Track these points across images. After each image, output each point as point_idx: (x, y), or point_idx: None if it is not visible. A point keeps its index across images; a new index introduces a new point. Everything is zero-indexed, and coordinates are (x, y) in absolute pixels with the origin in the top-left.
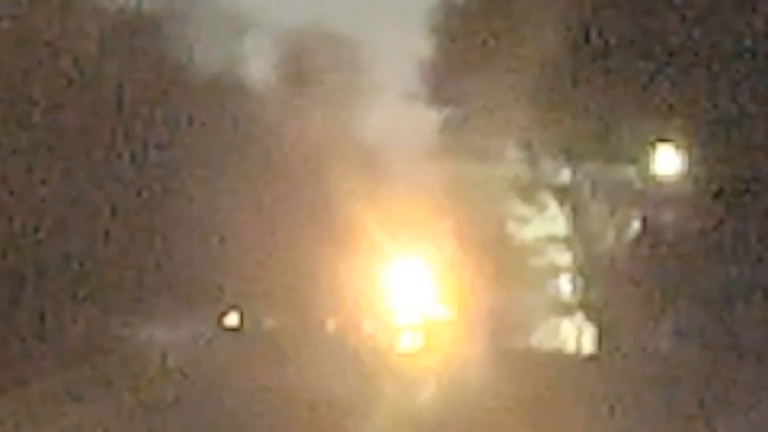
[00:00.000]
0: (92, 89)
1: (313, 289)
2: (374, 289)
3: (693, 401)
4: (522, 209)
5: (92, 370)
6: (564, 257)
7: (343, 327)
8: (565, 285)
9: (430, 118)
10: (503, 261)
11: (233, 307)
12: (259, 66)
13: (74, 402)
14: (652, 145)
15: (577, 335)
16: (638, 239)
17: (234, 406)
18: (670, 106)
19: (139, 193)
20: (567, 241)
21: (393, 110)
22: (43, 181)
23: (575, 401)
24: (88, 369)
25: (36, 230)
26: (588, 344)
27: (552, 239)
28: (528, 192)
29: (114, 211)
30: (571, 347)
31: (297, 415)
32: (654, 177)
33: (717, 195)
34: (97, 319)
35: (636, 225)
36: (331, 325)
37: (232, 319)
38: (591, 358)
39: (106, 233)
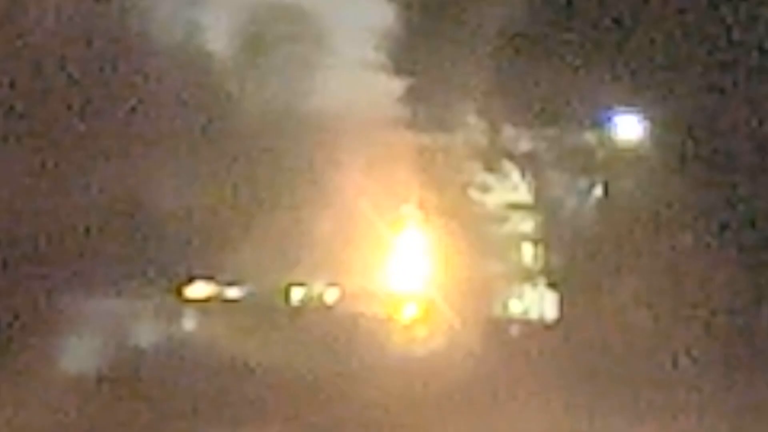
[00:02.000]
0: (45, 58)
1: (275, 256)
2: (334, 258)
3: (650, 368)
4: (483, 177)
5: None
6: (526, 224)
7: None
8: (527, 252)
9: (390, 87)
10: (465, 229)
11: (196, 277)
12: (216, 37)
13: None
14: (614, 111)
15: (539, 302)
16: (600, 206)
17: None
18: (632, 72)
19: (91, 163)
20: (529, 209)
21: (352, 80)
22: None
23: (533, 369)
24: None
25: None
26: (550, 311)
27: (514, 206)
28: (489, 160)
29: (63, 182)
30: (533, 314)
31: None
32: (615, 144)
33: (678, 162)
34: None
35: (598, 192)
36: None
37: (196, 290)
38: (552, 325)
39: (57, 203)
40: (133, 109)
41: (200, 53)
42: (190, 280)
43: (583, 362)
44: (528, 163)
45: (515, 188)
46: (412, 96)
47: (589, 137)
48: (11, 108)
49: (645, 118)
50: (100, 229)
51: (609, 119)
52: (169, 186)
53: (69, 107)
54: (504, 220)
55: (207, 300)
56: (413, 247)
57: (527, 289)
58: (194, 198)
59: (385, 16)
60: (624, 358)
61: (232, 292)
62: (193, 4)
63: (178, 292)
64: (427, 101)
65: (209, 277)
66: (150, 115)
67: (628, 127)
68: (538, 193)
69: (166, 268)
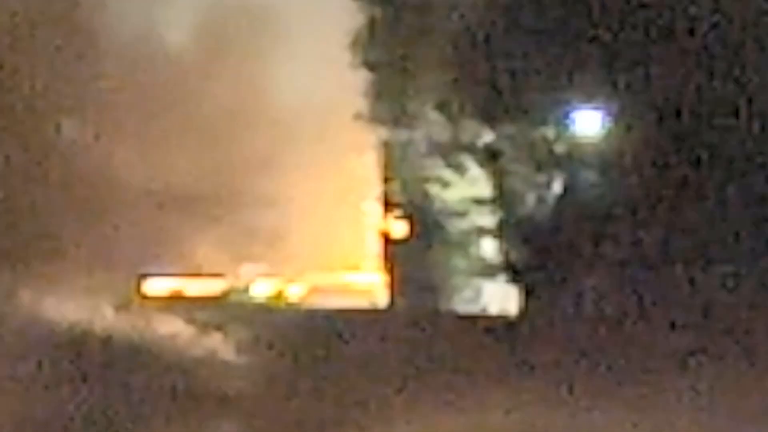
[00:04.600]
0: (5, 54)
1: (234, 250)
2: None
3: (611, 366)
4: (443, 172)
5: None
6: (486, 219)
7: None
8: (487, 247)
9: (351, 83)
10: (426, 224)
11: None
12: (175, 33)
13: None
14: (573, 106)
15: (500, 298)
16: (560, 201)
17: None
18: (591, 67)
19: (55, 157)
20: (489, 203)
21: (312, 75)
22: None
23: (490, 366)
24: None
25: None
26: (511, 307)
27: (474, 201)
28: (449, 155)
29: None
30: (493, 309)
31: None
32: (575, 139)
33: (638, 157)
34: None
35: (558, 186)
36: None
37: (160, 284)
38: (512, 321)
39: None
40: (94, 104)
41: (162, 48)
42: (148, 275)
43: (542, 362)
44: (488, 157)
45: (475, 182)
46: (373, 91)
47: (549, 132)
48: None
49: (604, 113)
50: (57, 221)
51: (569, 114)
52: (127, 177)
53: (31, 101)
54: (464, 214)
55: (167, 296)
56: (375, 242)
57: (488, 285)
58: (151, 191)
59: (346, 12)
60: (582, 357)
61: (193, 287)
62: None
63: (136, 288)
64: (387, 96)
65: (168, 273)
66: (111, 108)
67: (588, 123)
68: (498, 187)
69: (123, 261)
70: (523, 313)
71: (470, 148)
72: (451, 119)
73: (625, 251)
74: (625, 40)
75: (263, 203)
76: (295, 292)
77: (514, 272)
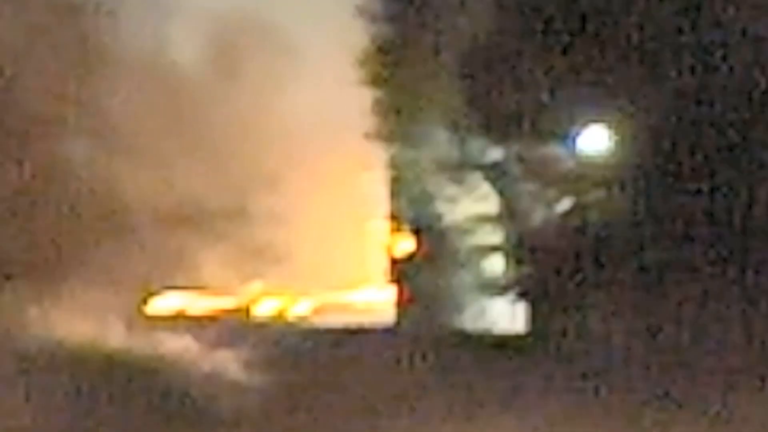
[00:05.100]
0: (15, 72)
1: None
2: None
3: (618, 385)
4: (450, 189)
5: None
6: (493, 236)
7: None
8: (494, 264)
9: (358, 100)
10: (432, 241)
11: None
12: (185, 51)
13: None
14: (581, 123)
15: (506, 315)
16: (568, 218)
17: None
18: (600, 84)
19: (62, 174)
20: (496, 221)
21: (320, 93)
22: None
23: (496, 384)
24: None
25: None
26: (518, 324)
27: (482, 218)
28: (456, 172)
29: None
30: (500, 327)
31: None
32: (583, 156)
33: (646, 175)
34: None
35: (565, 204)
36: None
37: (165, 303)
38: (519, 339)
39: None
40: (102, 121)
41: (171, 66)
42: (154, 292)
43: (550, 379)
44: (496, 175)
45: (483, 200)
46: (380, 109)
47: (557, 149)
48: None
49: (613, 131)
50: (63, 238)
51: (577, 132)
52: (133, 194)
53: (37, 118)
54: (472, 231)
55: (173, 314)
56: (381, 259)
57: (496, 302)
58: (158, 208)
59: (354, 30)
60: (588, 375)
61: (199, 305)
62: (163, 17)
63: (142, 305)
64: (394, 114)
65: (174, 290)
66: (118, 126)
67: (596, 140)
68: (506, 204)
69: (128, 279)
70: (530, 330)
71: (477, 166)
72: (459, 137)
73: (633, 269)
74: (633, 58)
75: (269, 220)
76: (300, 310)
77: (521, 290)
